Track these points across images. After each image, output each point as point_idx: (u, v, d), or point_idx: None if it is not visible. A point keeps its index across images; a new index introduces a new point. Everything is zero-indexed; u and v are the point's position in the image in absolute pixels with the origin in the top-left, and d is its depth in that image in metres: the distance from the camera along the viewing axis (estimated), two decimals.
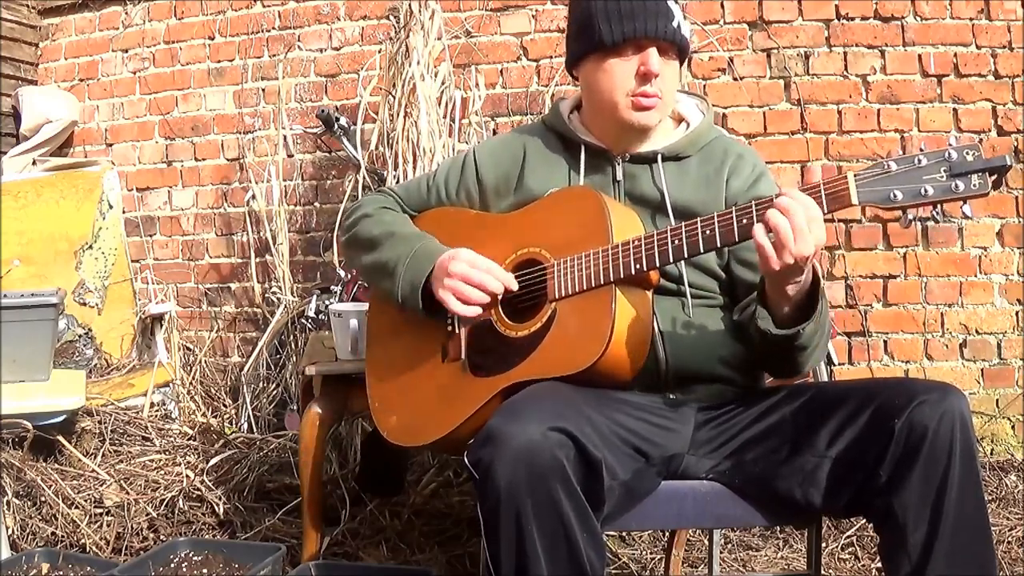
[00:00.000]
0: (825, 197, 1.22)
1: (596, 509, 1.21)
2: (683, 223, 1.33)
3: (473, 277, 1.45)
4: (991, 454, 2.96)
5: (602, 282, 1.36)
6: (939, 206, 1.18)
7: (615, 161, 1.55)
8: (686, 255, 1.33)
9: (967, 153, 1.15)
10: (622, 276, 1.35)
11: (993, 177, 1.14)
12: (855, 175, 1.20)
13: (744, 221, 1.27)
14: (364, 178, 2.95)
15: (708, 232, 1.30)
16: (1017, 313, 3.01)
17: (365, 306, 1.91)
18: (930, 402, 1.22)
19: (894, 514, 1.22)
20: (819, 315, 1.33)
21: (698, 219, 1.31)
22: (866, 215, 3.05)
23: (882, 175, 1.19)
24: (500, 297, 1.47)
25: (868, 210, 3.04)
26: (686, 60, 1.60)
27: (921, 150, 1.18)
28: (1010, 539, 2.35)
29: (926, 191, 1.16)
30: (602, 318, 1.34)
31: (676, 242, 1.32)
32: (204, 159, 3.72)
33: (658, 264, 1.34)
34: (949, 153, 1.16)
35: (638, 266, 1.34)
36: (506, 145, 1.66)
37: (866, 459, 1.25)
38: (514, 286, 1.47)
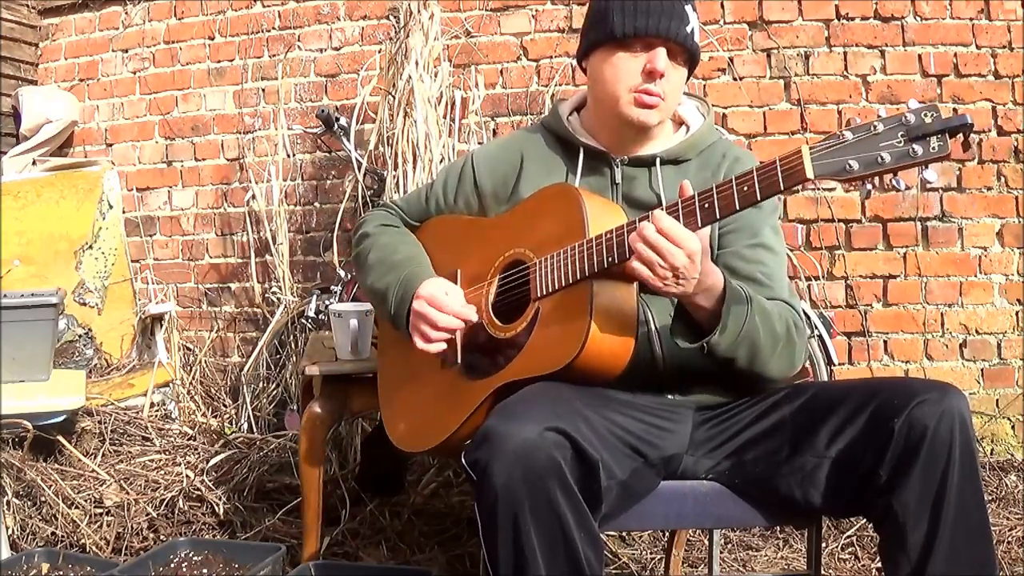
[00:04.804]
0: (781, 174, 1.18)
1: (594, 509, 1.21)
2: (650, 211, 1.29)
3: (430, 315, 1.48)
4: (991, 454, 2.96)
5: (579, 277, 1.35)
6: (898, 173, 1.14)
7: (614, 164, 1.55)
8: None
9: (925, 115, 1.10)
10: (596, 270, 1.33)
11: (956, 138, 1.09)
12: (810, 148, 1.16)
13: (718, 202, 1.24)
14: (364, 178, 2.95)
15: (677, 215, 1.27)
16: (1017, 313, 3.01)
17: (365, 306, 1.94)
18: (930, 401, 1.22)
19: (894, 514, 1.22)
20: (737, 328, 1.31)
21: (665, 204, 1.29)
22: (866, 215, 3.05)
23: (838, 145, 1.15)
24: (461, 327, 1.49)
25: (868, 210, 3.05)
26: (694, 69, 1.58)
27: (879, 116, 1.14)
28: (1010, 539, 2.35)
29: (882, 159, 1.12)
30: (579, 314, 1.33)
31: None
32: (204, 159, 3.72)
33: (628, 255, 1.30)
34: (906, 117, 1.11)
35: (610, 258, 1.31)
36: (503, 150, 1.66)
37: (866, 459, 1.25)
38: (472, 318, 1.48)
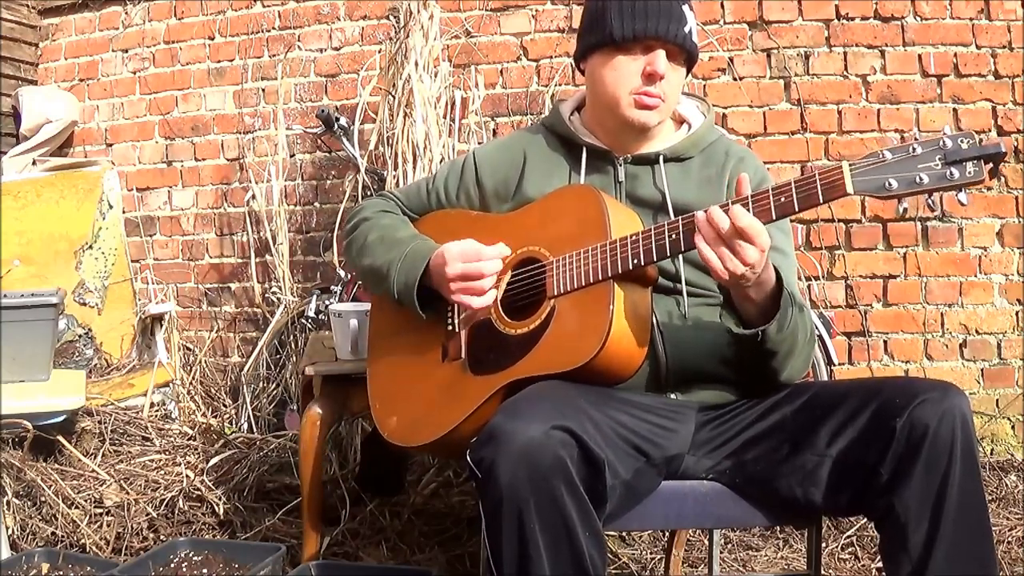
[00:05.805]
0: (821, 187, 1.21)
1: (598, 508, 1.21)
2: (680, 217, 1.33)
3: (471, 271, 1.47)
4: (991, 454, 2.96)
5: (600, 278, 1.36)
6: (934, 194, 1.18)
7: (616, 162, 1.55)
8: (683, 248, 1.32)
9: (962, 141, 1.15)
10: (620, 271, 1.35)
11: (988, 165, 1.14)
12: (850, 164, 1.20)
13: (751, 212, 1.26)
14: (364, 178, 2.95)
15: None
16: (1017, 313, 3.01)
17: (365, 306, 1.92)
18: (931, 401, 1.22)
19: (895, 513, 1.22)
20: (786, 322, 1.33)
21: (694, 212, 1.31)
22: (866, 215, 3.05)
23: (877, 164, 1.19)
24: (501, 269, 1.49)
25: (868, 210, 3.05)
26: (692, 68, 1.59)
27: (916, 139, 1.18)
28: (1010, 539, 2.35)
29: (921, 179, 1.16)
30: (600, 313, 1.34)
31: (673, 236, 1.32)
32: (204, 159, 3.72)
33: (655, 258, 1.34)
34: (944, 141, 1.16)
35: (636, 261, 1.34)
36: (506, 149, 1.66)
37: (867, 458, 1.25)
38: (506, 251, 1.49)
